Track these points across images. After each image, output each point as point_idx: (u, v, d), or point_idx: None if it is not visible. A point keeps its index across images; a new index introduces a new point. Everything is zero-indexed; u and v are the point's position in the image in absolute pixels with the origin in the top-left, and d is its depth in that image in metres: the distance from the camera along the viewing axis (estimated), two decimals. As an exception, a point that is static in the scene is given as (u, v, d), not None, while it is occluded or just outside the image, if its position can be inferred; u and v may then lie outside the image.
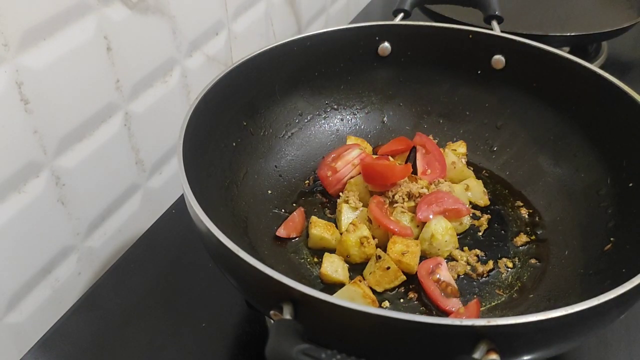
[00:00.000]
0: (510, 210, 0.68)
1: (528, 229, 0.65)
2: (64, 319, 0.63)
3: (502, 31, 0.71)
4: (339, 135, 0.75)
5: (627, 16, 1.01)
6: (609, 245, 0.57)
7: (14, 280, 0.58)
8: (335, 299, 0.38)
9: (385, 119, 0.77)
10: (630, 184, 0.59)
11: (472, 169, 0.72)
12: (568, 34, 0.94)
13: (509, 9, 1.08)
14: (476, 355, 0.36)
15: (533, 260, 0.62)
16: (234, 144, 0.65)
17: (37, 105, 0.54)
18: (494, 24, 0.77)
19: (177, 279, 0.67)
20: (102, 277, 0.68)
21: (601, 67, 1.01)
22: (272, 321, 0.58)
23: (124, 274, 0.68)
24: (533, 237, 0.64)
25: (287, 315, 0.39)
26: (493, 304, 0.57)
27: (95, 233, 0.67)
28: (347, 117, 0.76)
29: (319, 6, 1.07)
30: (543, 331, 0.38)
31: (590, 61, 1.02)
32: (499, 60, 0.72)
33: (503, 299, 0.58)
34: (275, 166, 0.70)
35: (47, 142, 0.57)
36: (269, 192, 0.68)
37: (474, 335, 0.37)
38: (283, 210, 0.67)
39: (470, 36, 0.72)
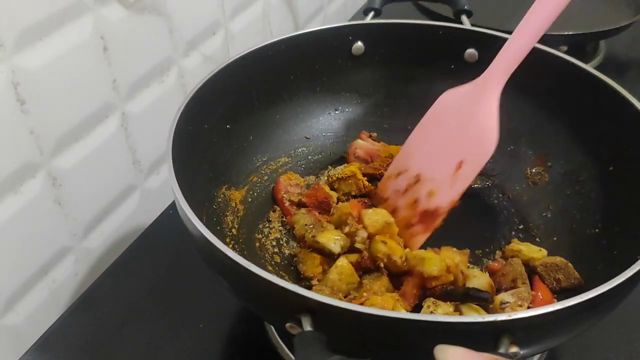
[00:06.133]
0: (494, 201, 0.68)
1: (515, 219, 0.66)
2: (61, 320, 0.63)
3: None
4: (315, 136, 0.75)
5: (625, 15, 1.01)
6: (596, 230, 0.58)
7: (11, 281, 0.57)
8: (356, 306, 0.38)
9: (362, 118, 0.77)
10: (611, 168, 0.60)
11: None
12: (565, 33, 0.94)
13: (506, 8, 1.09)
14: (502, 350, 0.37)
15: None
16: (223, 149, 0.65)
17: (34, 105, 0.54)
18: (464, 18, 0.78)
19: (174, 279, 0.67)
20: (100, 278, 0.67)
21: (599, 66, 1.02)
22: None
23: (121, 274, 0.68)
24: (519, 227, 0.64)
25: (307, 327, 0.38)
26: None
27: (92, 234, 0.67)
28: (324, 118, 0.76)
29: (317, 5, 1.07)
30: (560, 320, 0.39)
31: (588, 60, 1.03)
32: (472, 54, 0.72)
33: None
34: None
35: (44, 143, 0.57)
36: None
37: (497, 330, 0.38)
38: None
39: (441, 32, 0.72)
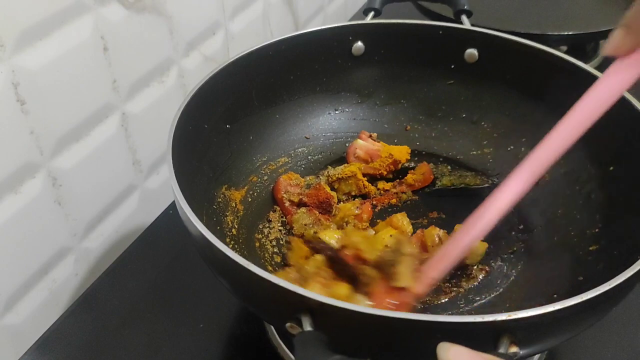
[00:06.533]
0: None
1: (515, 219, 0.65)
2: (61, 320, 0.63)
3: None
4: (315, 137, 0.75)
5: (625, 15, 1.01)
6: (596, 230, 0.58)
7: (11, 281, 0.57)
8: (357, 306, 0.38)
9: (362, 118, 0.77)
10: (611, 168, 0.60)
11: (452, 162, 0.73)
12: (565, 33, 0.94)
13: (507, 8, 1.09)
14: (501, 350, 0.37)
15: (520, 252, 0.62)
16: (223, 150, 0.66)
17: (34, 105, 0.54)
18: (464, 18, 0.78)
19: (174, 279, 0.67)
20: (99, 278, 0.67)
21: (599, 66, 1.02)
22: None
23: (121, 274, 0.68)
24: (519, 227, 0.64)
25: (307, 327, 0.38)
26: (489, 297, 0.58)
27: (92, 234, 0.67)
28: (324, 118, 0.76)
29: (317, 5, 1.07)
30: (560, 320, 0.39)
31: (588, 60, 1.03)
32: (471, 54, 0.72)
33: (496, 293, 0.58)
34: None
35: (44, 143, 0.57)
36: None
37: (496, 330, 0.38)
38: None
39: (441, 32, 0.72)
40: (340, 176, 0.69)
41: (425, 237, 0.60)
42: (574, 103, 0.65)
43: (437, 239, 0.60)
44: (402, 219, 0.63)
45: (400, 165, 0.72)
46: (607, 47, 0.46)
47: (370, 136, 0.75)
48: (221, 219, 0.61)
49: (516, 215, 0.66)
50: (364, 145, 0.73)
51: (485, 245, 0.61)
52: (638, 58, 0.45)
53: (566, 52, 0.67)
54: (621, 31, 0.45)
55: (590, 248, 0.56)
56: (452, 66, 0.74)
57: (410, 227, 0.63)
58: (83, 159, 0.62)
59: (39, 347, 0.60)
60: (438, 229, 0.61)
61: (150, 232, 0.73)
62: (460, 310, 0.57)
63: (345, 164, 0.72)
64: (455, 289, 0.59)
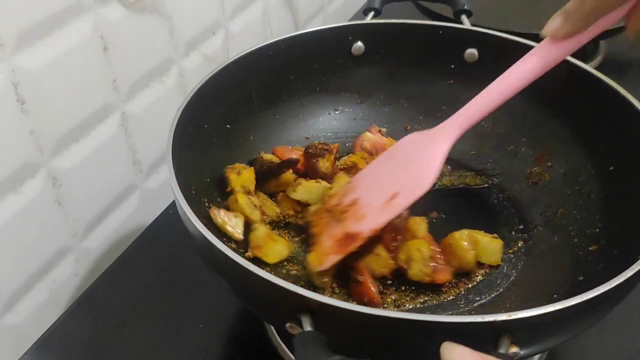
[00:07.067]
0: (494, 201, 0.68)
1: (515, 219, 0.65)
2: (61, 320, 0.63)
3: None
4: (315, 136, 0.75)
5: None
6: (596, 230, 0.58)
7: (11, 281, 0.57)
8: (356, 306, 0.38)
9: (362, 118, 0.77)
10: (611, 168, 0.60)
11: (452, 162, 0.73)
12: (565, 33, 0.93)
13: (507, 8, 1.09)
14: (501, 350, 0.37)
15: (520, 252, 0.62)
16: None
17: (34, 105, 0.54)
18: (464, 18, 0.78)
19: (174, 279, 0.67)
20: (99, 278, 0.67)
21: (599, 66, 1.02)
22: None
23: (121, 274, 0.68)
24: (519, 227, 0.64)
25: (307, 327, 0.39)
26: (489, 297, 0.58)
27: (92, 234, 0.67)
28: (324, 118, 0.76)
29: (317, 5, 1.07)
30: (560, 320, 0.39)
31: (588, 60, 1.03)
32: (471, 54, 0.72)
33: (496, 293, 0.58)
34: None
35: (44, 143, 0.57)
36: None
37: (496, 330, 0.38)
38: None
39: (441, 32, 0.72)
40: (342, 166, 0.68)
41: (455, 241, 0.60)
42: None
43: (466, 243, 0.59)
44: (421, 223, 0.62)
45: None
46: (546, 30, 0.49)
47: (380, 131, 0.75)
48: (221, 219, 0.61)
49: (516, 215, 0.66)
50: (371, 137, 0.73)
51: (501, 242, 0.60)
52: (567, 45, 0.49)
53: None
54: (561, 18, 0.48)
55: (590, 248, 0.56)
56: (452, 66, 0.74)
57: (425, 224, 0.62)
58: (83, 159, 0.62)
59: (39, 347, 0.60)
60: (465, 232, 0.60)
61: (150, 232, 0.73)
62: (460, 310, 0.57)
63: (350, 154, 0.72)
64: (455, 289, 0.59)
